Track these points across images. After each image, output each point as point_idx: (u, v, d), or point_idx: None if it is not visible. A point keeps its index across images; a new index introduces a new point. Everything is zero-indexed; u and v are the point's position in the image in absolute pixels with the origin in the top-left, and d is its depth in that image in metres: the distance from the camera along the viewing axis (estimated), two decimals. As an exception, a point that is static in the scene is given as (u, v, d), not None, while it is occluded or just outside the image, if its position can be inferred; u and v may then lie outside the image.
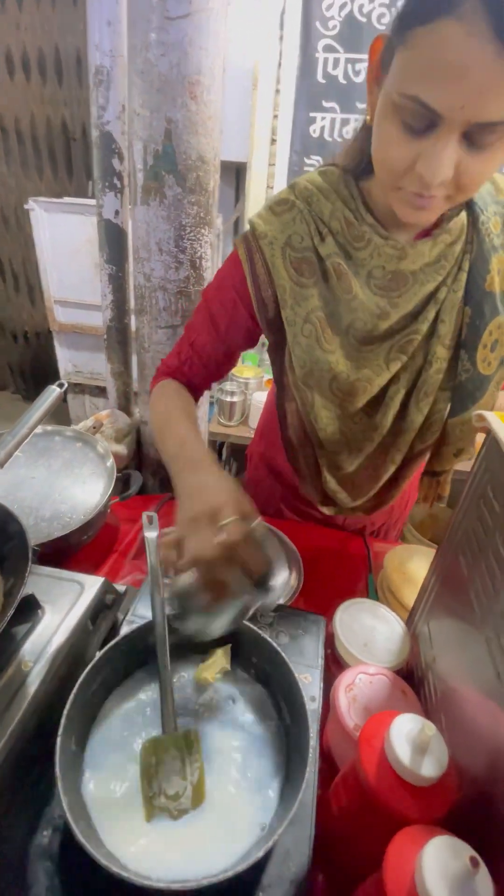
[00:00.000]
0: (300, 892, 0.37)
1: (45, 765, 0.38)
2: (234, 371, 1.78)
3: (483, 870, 0.27)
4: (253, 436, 0.96)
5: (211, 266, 0.87)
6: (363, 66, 1.57)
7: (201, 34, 0.69)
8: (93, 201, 1.02)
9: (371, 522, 0.87)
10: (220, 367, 0.69)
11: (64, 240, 1.83)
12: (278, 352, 0.64)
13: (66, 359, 2.21)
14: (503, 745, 0.32)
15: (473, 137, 0.40)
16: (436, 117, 0.39)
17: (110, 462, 0.89)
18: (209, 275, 0.88)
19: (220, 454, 1.92)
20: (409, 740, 0.34)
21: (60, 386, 0.64)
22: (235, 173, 1.91)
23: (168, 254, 0.82)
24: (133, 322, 1.01)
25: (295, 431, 0.68)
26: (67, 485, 0.80)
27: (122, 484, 1.02)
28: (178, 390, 0.67)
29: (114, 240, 0.97)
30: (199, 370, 0.68)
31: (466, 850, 0.28)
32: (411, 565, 0.72)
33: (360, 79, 1.59)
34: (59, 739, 0.38)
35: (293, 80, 1.62)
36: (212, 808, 0.42)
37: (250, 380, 1.73)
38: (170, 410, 0.63)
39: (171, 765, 0.44)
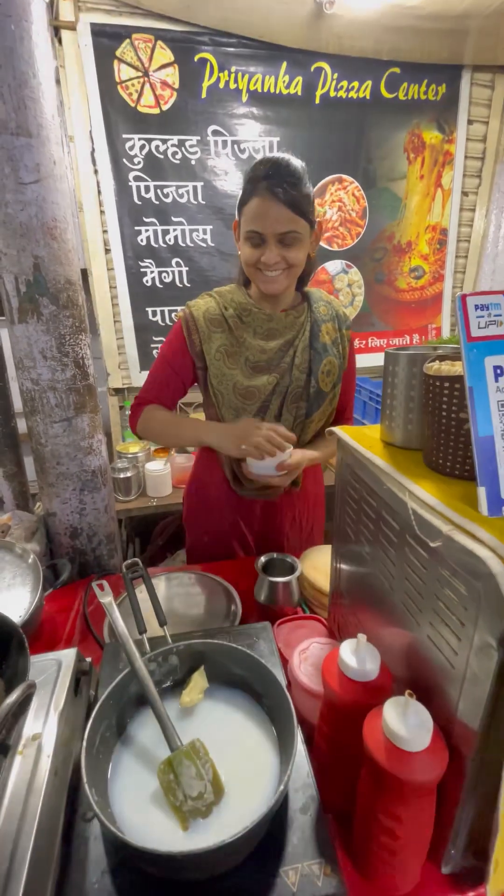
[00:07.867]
0: (316, 822, 0.48)
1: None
2: (119, 449, 1.87)
3: (415, 702, 0.43)
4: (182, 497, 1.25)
5: (93, 363, 1.00)
6: (171, 191, 1.95)
7: (51, 193, 0.86)
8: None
9: (291, 520, 1.11)
10: (176, 392, 1.03)
11: None
12: (204, 374, 0.99)
13: None
14: (404, 644, 0.50)
15: (283, 241, 0.86)
16: (263, 236, 0.85)
17: (32, 558, 0.90)
18: (92, 370, 1.01)
19: (120, 532, 1.92)
20: (354, 653, 0.49)
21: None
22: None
23: (53, 359, 0.93)
24: (21, 424, 1.06)
25: None
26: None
27: (52, 575, 1.02)
28: (159, 408, 1.02)
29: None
30: (165, 396, 1.02)
31: (407, 695, 0.43)
32: (317, 560, 0.91)
33: (170, 200, 1.96)
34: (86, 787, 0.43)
35: (113, 203, 1.91)
36: (234, 793, 0.50)
37: (138, 454, 1.82)
38: (167, 416, 1.01)
39: (187, 774, 0.50)
